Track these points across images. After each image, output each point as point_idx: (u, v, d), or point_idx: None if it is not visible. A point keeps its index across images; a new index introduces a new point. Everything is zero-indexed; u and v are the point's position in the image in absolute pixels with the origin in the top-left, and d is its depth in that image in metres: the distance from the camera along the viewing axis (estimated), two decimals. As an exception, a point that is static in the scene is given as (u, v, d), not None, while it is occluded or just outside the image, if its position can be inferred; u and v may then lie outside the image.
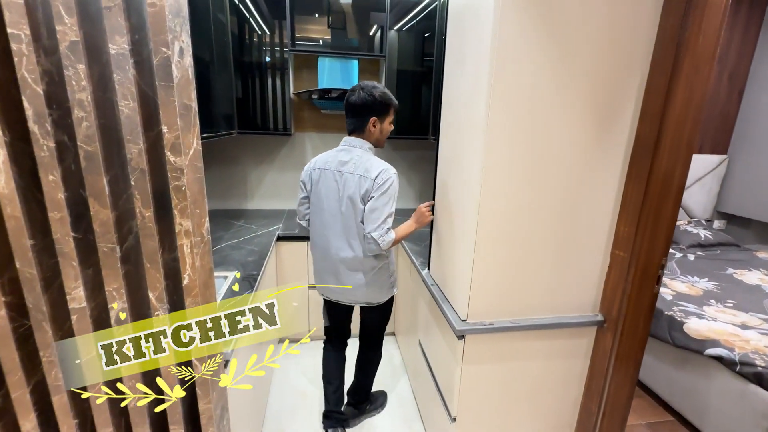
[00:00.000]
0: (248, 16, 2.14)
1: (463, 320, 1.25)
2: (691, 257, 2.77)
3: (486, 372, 1.32)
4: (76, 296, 0.81)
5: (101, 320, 0.86)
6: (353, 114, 1.47)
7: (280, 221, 2.38)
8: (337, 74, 2.32)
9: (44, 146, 0.72)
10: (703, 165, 3.16)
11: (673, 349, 1.88)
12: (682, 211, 3.26)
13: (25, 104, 0.70)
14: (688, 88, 1.05)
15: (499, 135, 1.10)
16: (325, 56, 2.30)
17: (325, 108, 2.53)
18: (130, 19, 0.72)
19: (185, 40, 0.78)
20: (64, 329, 0.86)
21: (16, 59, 0.68)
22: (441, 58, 1.45)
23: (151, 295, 0.84)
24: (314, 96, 2.33)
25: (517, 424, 1.43)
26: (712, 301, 2.07)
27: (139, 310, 0.88)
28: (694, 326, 1.80)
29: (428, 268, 1.67)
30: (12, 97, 0.72)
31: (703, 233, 3.00)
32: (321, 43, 2.28)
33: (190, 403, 0.98)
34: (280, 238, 2.16)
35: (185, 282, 0.85)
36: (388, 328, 2.51)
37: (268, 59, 2.23)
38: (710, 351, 1.69)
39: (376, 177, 1.39)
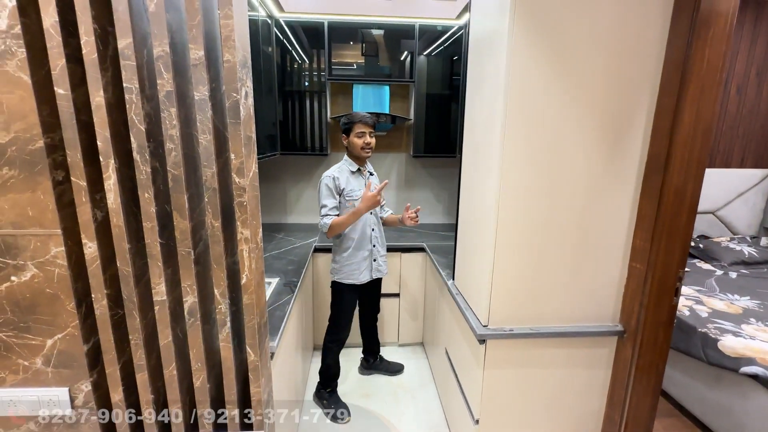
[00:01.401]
0: (290, 48, 2.39)
1: (484, 326, 1.35)
2: (733, 275, 2.67)
3: (508, 376, 1.39)
4: (159, 290, 1.00)
5: (177, 311, 1.05)
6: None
7: (316, 234, 2.57)
8: (369, 99, 2.52)
9: (143, 171, 0.93)
10: (745, 179, 3.06)
11: (707, 366, 1.85)
12: (724, 227, 3.15)
13: (132, 139, 0.91)
14: (695, 110, 1.13)
15: (514, 155, 1.21)
16: (359, 83, 2.51)
17: (358, 129, 2.73)
18: (210, 72, 0.93)
19: (249, 84, 0.98)
20: (147, 318, 1.05)
21: (127, 105, 0.89)
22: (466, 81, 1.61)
23: (216, 291, 1.02)
24: (349, 119, 2.54)
25: (539, 429, 1.48)
26: (752, 319, 2.01)
27: (206, 303, 1.06)
28: (729, 344, 1.77)
29: (453, 279, 1.77)
30: (121, 134, 0.94)
31: (747, 250, 2.88)
32: (355, 70, 2.49)
33: (242, 387, 1.15)
34: (316, 250, 2.34)
35: (243, 281, 1.02)
36: (415, 338, 2.62)
37: (307, 86, 2.47)
38: (745, 369, 1.66)
39: None
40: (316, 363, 2.44)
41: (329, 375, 2.07)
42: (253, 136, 1.00)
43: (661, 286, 1.25)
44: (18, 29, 0.84)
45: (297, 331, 1.81)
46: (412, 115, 2.59)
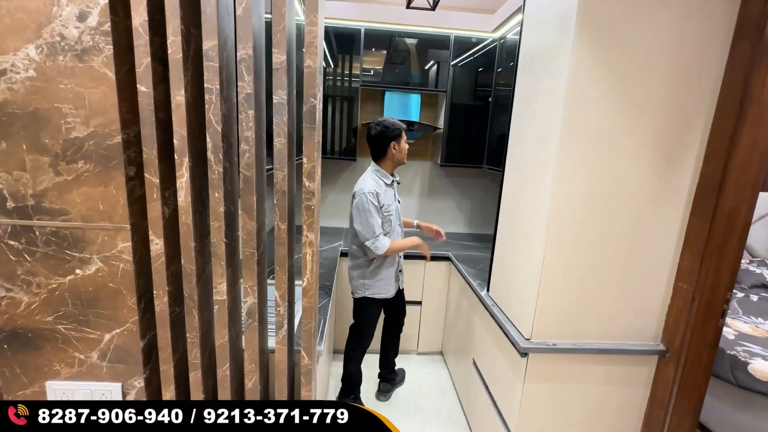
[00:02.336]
0: (324, 53, 2.42)
1: (527, 339, 1.35)
2: (754, 297, 2.66)
3: (547, 391, 1.39)
4: (221, 290, 1.00)
5: (233, 311, 1.06)
6: (370, 144, 1.89)
7: (340, 238, 2.58)
8: (400, 107, 2.54)
9: (216, 170, 0.93)
10: (766, 202, 3.06)
11: (735, 389, 1.84)
12: (744, 250, 3.15)
13: (208, 139, 0.92)
14: (752, 135, 1.13)
15: (569, 171, 1.22)
16: (391, 90, 2.53)
17: (386, 136, 2.75)
18: (287, 76, 0.94)
19: (320, 90, 0.99)
20: (204, 317, 1.05)
21: (206, 106, 0.91)
22: (498, 91, 1.56)
23: (276, 293, 1.02)
24: (379, 126, 2.55)
25: (574, 446, 1.47)
26: (780, 344, 2.00)
27: (261, 305, 1.07)
28: (760, 367, 1.76)
29: (488, 290, 1.77)
30: (196, 134, 0.95)
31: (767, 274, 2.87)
32: (388, 77, 2.52)
33: (292, 390, 1.14)
34: (342, 254, 2.34)
35: (304, 284, 1.03)
36: (435, 347, 2.61)
37: (339, 92, 2.49)
38: (778, 394, 1.65)
39: (354, 193, 1.84)
40: (336, 366, 2.43)
41: (352, 382, 2.06)
42: (320, 141, 1.01)
43: (709, 308, 1.25)
44: (107, 26, 0.85)
45: (329, 335, 1.81)
46: (440, 124, 2.61)
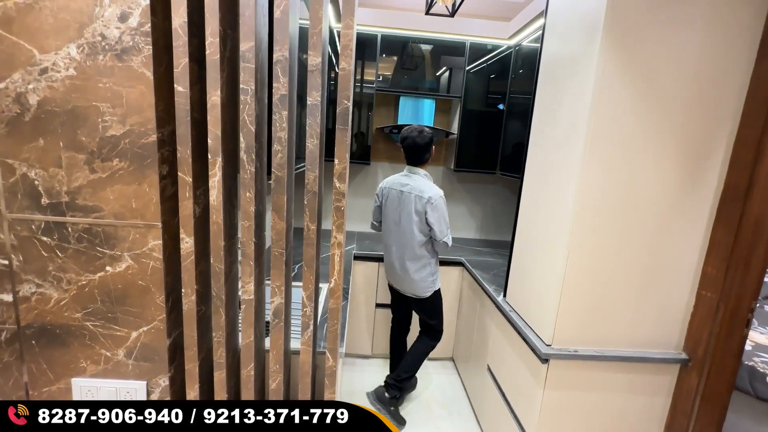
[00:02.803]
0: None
1: (547, 345, 1.34)
2: (768, 309, 2.64)
3: (567, 398, 1.38)
4: (248, 289, 1.00)
5: (258, 311, 1.06)
6: (421, 150, 1.94)
7: (353, 242, 2.58)
8: (414, 112, 2.56)
9: (248, 170, 0.94)
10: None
11: (753, 400, 1.81)
12: (756, 259, 3.12)
13: (241, 138, 0.93)
14: (780, 143, 1.13)
15: (593, 177, 1.22)
16: (407, 96, 2.55)
17: (401, 141, 2.76)
18: (321, 78, 0.95)
19: (353, 93, 1.00)
20: (229, 316, 1.05)
21: (241, 106, 0.92)
22: (512, 98, 1.58)
23: (304, 293, 1.03)
24: (395, 131, 2.57)
25: (593, 456, 1.45)
26: (798, 355, 1.98)
27: (287, 305, 1.07)
28: (779, 379, 1.74)
29: (504, 295, 1.77)
30: (228, 134, 0.96)
31: (781, 285, 2.84)
32: (403, 83, 2.53)
33: (313, 392, 1.14)
34: (355, 257, 2.34)
35: (331, 285, 1.03)
36: (445, 353, 2.60)
37: (354, 97, 2.51)
38: (799, 406, 1.63)
39: (429, 198, 1.87)
40: (347, 370, 2.43)
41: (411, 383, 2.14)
42: (350, 142, 1.01)
43: (734, 316, 1.24)
44: (147, 27, 0.87)
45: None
46: (454, 129, 2.62)
